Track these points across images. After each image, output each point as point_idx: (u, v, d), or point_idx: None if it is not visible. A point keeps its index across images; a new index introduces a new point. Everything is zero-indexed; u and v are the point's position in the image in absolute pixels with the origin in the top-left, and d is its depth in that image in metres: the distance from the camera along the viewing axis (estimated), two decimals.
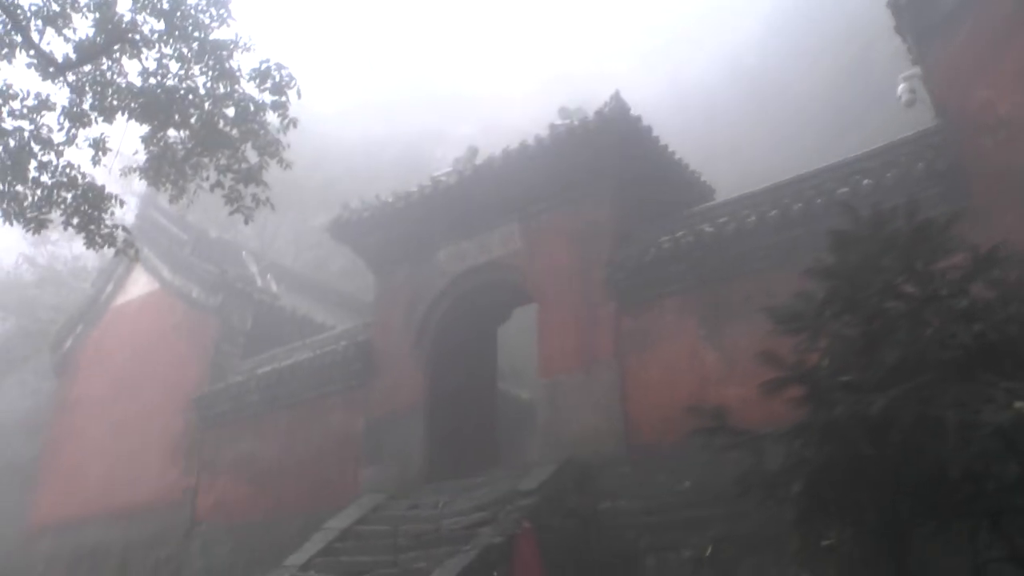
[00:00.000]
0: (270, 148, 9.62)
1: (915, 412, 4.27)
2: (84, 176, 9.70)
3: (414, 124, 29.84)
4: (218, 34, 9.53)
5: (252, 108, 9.60)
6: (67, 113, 9.56)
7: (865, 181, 9.77)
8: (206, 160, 9.97)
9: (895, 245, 4.87)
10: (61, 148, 9.68)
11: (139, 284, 17.79)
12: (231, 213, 9.82)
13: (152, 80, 9.63)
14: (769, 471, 5.78)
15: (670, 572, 9.65)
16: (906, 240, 4.86)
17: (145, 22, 9.49)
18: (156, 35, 9.52)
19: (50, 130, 9.55)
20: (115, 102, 9.61)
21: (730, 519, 9.57)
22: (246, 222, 9.89)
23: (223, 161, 9.82)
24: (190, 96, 9.59)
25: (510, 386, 15.92)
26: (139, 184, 14.07)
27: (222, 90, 9.59)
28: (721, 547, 9.45)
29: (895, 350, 5.00)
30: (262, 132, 9.69)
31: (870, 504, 5.10)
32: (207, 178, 9.94)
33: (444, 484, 11.66)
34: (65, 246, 28.88)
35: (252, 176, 9.69)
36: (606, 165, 11.92)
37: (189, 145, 10.00)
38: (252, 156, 9.88)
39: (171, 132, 9.87)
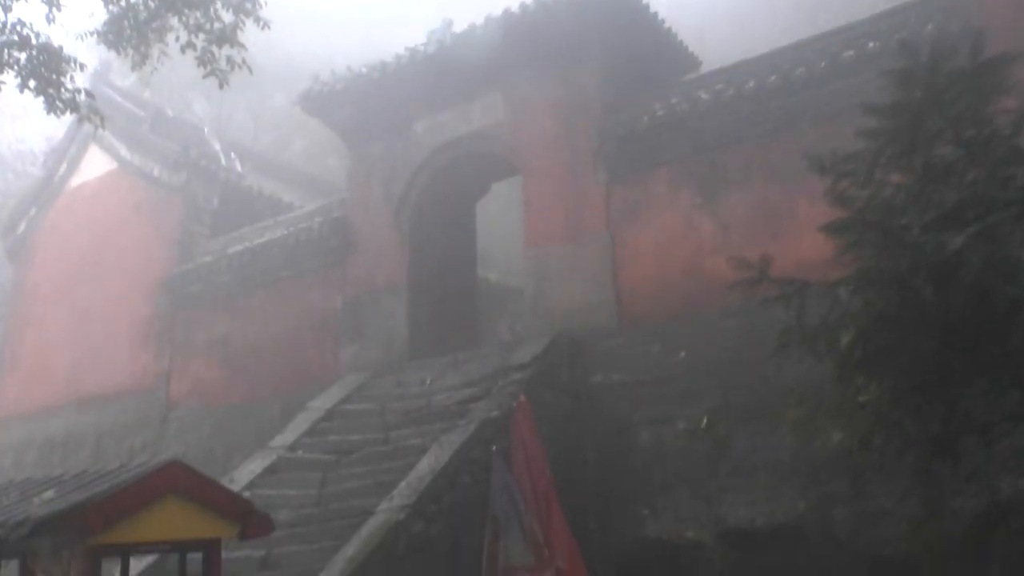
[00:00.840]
0: (245, 5, 8.94)
1: (986, 252, 4.04)
2: (38, 35, 8.97)
3: (373, 6, 28.68)
4: None
5: None
6: None
7: (871, 44, 9.39)
8: (174, 21, 9.25)
9: (959, 82, 4.56)
10: (9, 3, 8.91)
11: (95, 164, 16.96)
12: (205, 76, 9.19)
13: None
14: (812, 325, 5.50)
15: (665, 445, 9.59)
16: (970, 78, 4.55)
17: None
18: None
19: None
20: None
21: (725, 390, 9.51)
22: (221, 86, 9.25)
23: (193, 21, 9.12)
24: None
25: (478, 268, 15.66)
26: (95, 52, 13.29)
27: None
28: (716, 418, 9.38)
29: (952, 193, 4.75)
30: None
31: (919, 358, 4.89)
32: (177, 39, 9.24)
33: (428, 362, 11.44)
34: (8, 128, 27.65)
35: (227, 36, 9.03)
36: (594, 33, 11.38)
37: (153, 4, 9.26)
38: (226, 17, 9.19)
39: None
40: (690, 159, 10.46)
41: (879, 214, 4.87)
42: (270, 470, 9.73)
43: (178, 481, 4.28)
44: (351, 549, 7.38)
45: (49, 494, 4.53)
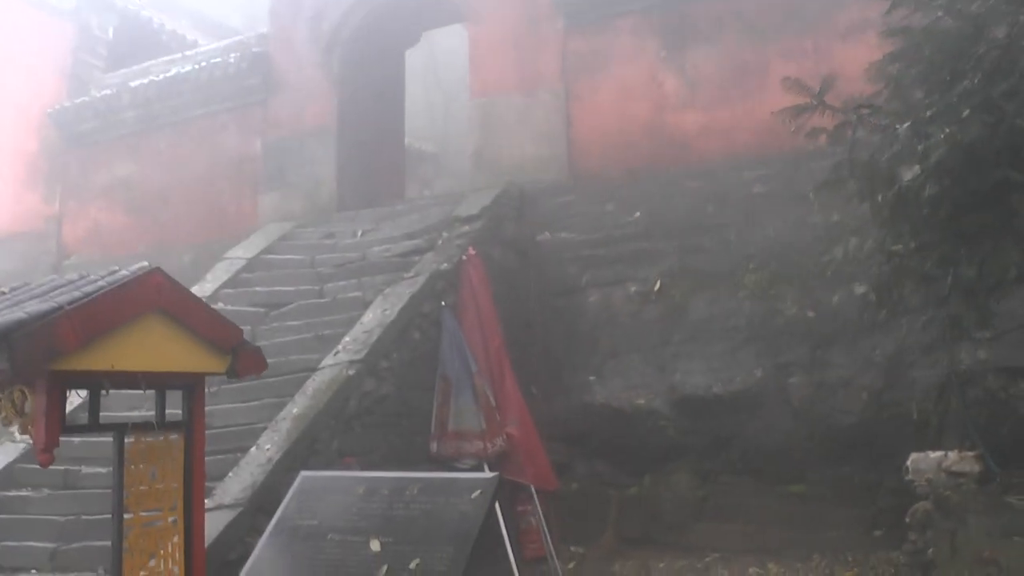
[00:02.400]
0: None
1: None
2: None
3: None
4: None
5: None
6: None
7: None
8: None
9: None
10: None
11: None
12: None
13: None
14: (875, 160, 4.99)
15: (615, 308, 9.16)
16: None
17: None
18: None
19: None
20: None
21: (683, 252, 9.09)
22: None
23: None
24: None
25: None
26: None
27: None
28: (672, 282, 9.00)
29: (993, 51, 4.28)
30: None
31: (991, 198, 4.44)
32: None
33: (359, 213, 10.66)
34: None
35: None
36: None
37: None
38: None
39: None
40: (657, 9, 9.75)
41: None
42: None
43: (163, 296, 3.50)
44: (296, 407, 6.72)
45: None
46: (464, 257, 8.36)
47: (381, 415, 7.19)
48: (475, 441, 7.58)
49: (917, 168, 4.15)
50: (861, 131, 5.07)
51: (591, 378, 8.96)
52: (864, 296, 5.75)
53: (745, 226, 8.93)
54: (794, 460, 8.16)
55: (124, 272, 3.55)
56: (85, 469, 7.14)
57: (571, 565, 8.01)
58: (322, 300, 8.73)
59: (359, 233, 10.00)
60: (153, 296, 3.45)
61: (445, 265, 8.25)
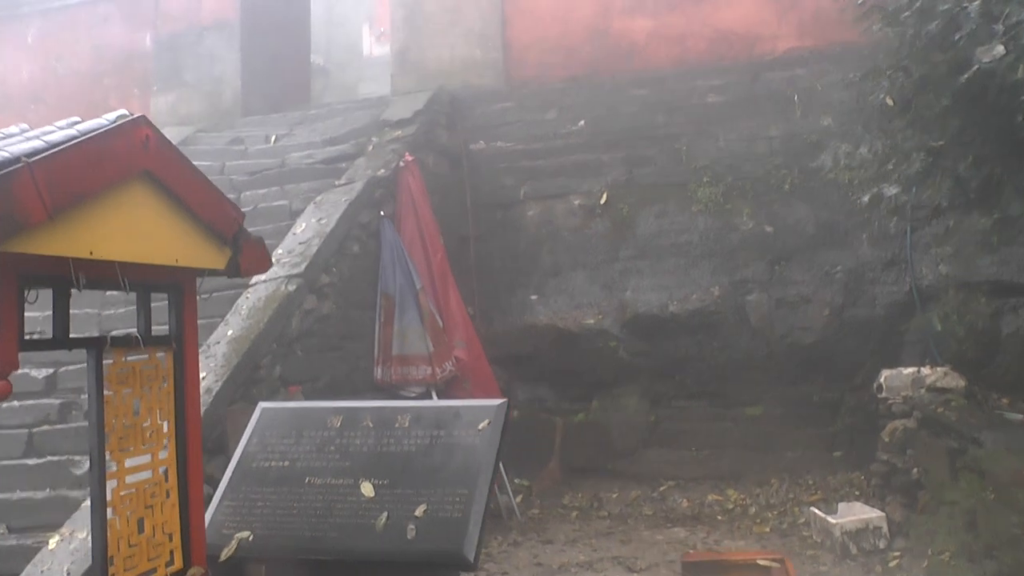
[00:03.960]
0: None
1: None
2: None
3: None
4: None
5: None
6: None
7: None
8: None
9: None
10: None
11: None
12: None
13: None
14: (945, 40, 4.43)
15: (557, 223, 8.53)
16: None
17: None
18: None
19: None
20: None
21: (630, 164, 8.52)
22: None
23: None
24: None
25: None
26: None
27: None
28: (618, 194, 8.42)
29: None
30: None
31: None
32: None
33: (267, 118, 9.62)
34: None
35: None
36: None
37: None
38: None
39: None
40: None
41: None
42: None
43: (151, 154, 2.58)
44: (231, 329, 5.83)
45: None
46: (402, 163, 7.53)
47: (323, 337, 6.36)
48: (422, 366, 6.85)
49: (1000, 48, 3.63)
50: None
51: (533, 297, 8.35)
52: (895, 197, 5.22)
53: (697, 137, 8.42)
54: (751, 381, 7.81)
55: (97, 121, 2.65)
56: None
57: (518, 499, 7.45)
58: (245, 209, 7.73)
59: (272, 139, 8.99)
60: (139, 154, 2.57)
61: (382, 171, 7.40)
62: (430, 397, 6.77)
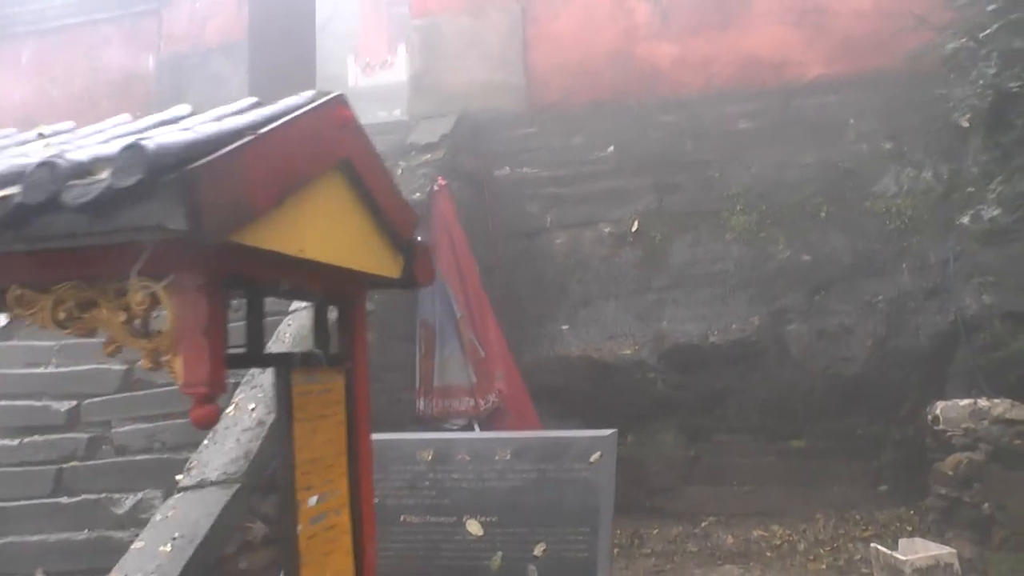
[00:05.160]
0: None
1: None
2: None
3: None
4: None
5: None
6: None
7: None
8: None
9: None
10: None
11: None
12: None
13: None
14: None
15: (585, 250, 8.30)
16: None
17: None
18: None
19: None
20: None
21: (660, 191, 8.33)
22: None
23: None
24: None
25: None
26: None
27: None
28: (649, 222, 8.21)
29: None
30: None
31: None
32: None
33: None
34: None
35: None
36: None
37: None
38: None
39: None
40: None
41: None
42: None
43: (347, 140, 2.29)
44: None
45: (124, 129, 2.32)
46: (435, 187, 7.25)
47: None
48: (465, 398, 6.56)
49: None
50: None
51: (564, 327, 8.07)
52: (995, 219, 5.06)
53: (728, 164, 8.25)
54: (793, 414, 7.60)
55: (293, 100, 2.33)
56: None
57: None
58: None
59: None
60: (339, 138, 2.26)
61: (417, 195, 7.12)
62: (472, 429, 6.46)
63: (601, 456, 3.73)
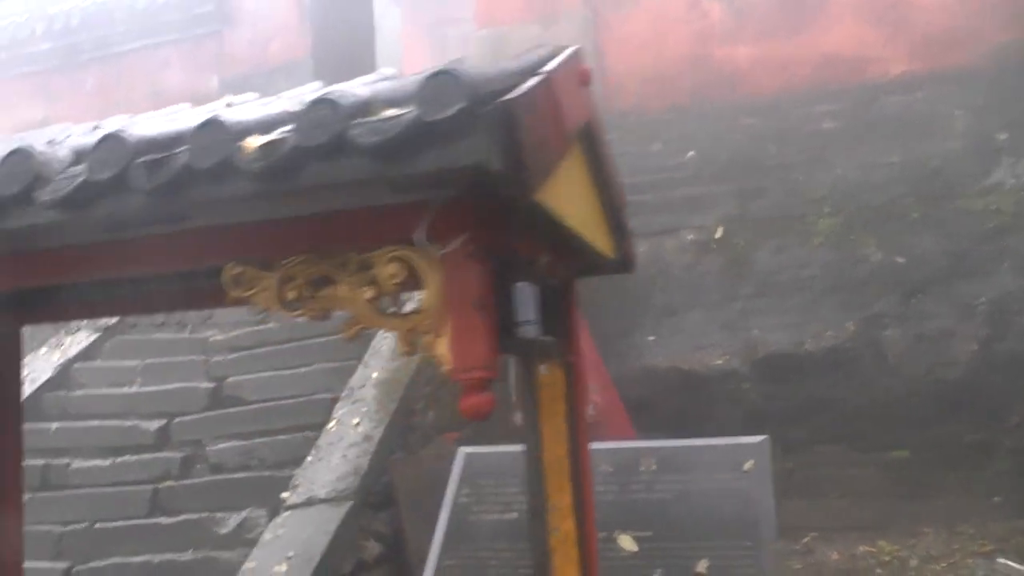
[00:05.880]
0: None
1: None
2: None
3: None
4: None
5: None
6: None
7: None
8: None
9: None
10: None
11: None
12: None
13: None
14: None
15: (667, 259, 8.09)
16: None
17: None
18: None
19: None
20: None
21: (742, 197, 8.11)
22: None
23: None
24: None
25: None
26: None
27: None
28: (732, 229, 7.99)
29: None
30: None
31: None
32: None
33: None
34: None
35: None
36: None
37: None
38: None
39: None
40: None
41: None
42: None
43: (589, 102, 2.11)
44: (375, 372, 5.33)
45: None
46: None
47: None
48: None
49: None
50: None
51: (650, 338, 7.85)
52: None
53: (811, 166, 8.03)
54: (892, 422, 7.30)
55: (526, 57, 2.12)
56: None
57: None
58: None
59: None
60: (582, 99, 2.05)
61: None
62: None
63: (754, 464, 3.51)
